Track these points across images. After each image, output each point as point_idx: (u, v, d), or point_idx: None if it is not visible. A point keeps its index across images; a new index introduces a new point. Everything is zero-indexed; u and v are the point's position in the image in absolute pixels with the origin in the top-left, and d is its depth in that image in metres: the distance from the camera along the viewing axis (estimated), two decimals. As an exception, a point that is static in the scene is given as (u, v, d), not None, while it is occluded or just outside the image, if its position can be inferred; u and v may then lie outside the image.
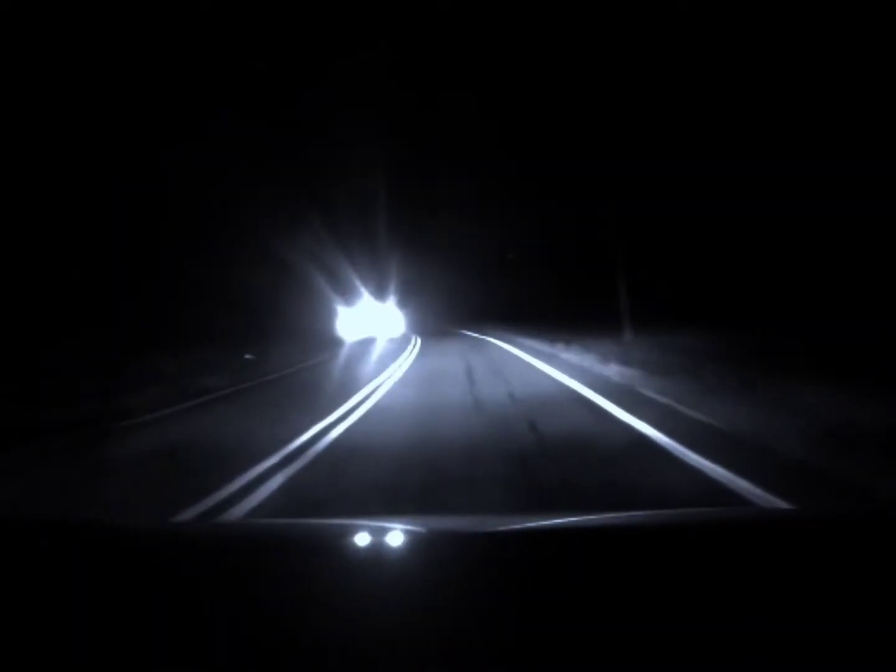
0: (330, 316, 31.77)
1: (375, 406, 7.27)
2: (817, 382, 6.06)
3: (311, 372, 14.03)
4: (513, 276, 37.47)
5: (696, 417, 5.48)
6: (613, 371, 9.45)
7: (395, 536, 1.45)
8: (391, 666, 0.81)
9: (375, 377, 10.43)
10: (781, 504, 3.05)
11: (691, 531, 1.42)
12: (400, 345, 22.41)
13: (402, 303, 40.62)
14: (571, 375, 9.09)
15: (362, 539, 1.47)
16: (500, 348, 17.22)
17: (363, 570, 1.16)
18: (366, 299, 34.89)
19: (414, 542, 1.40)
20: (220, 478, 4.09)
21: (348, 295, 32.07)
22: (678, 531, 1.43)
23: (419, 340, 24.56)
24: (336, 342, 25.57)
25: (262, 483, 4.04)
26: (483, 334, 26.53)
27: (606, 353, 11.62)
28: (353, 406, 7.20)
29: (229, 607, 1.00)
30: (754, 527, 1.49)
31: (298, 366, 15.28)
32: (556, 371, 9.88)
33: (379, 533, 1.52)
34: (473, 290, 44.24)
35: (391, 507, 3.39)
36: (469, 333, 29.69)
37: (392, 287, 38.38)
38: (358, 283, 32.31)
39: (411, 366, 13.05)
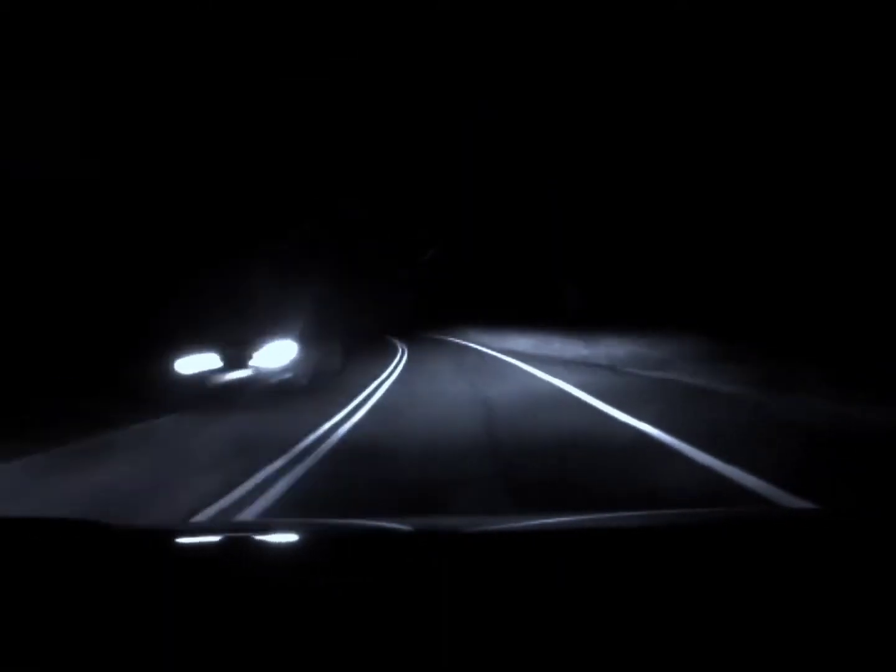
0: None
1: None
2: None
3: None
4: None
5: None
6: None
7: (403, 538, 1.46)
8: (390, 666, 0.81)
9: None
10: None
11: (696, 532, 1.40)
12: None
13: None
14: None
15: (369, 540, 1.47)
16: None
17: (368, 572, 1.15)
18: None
19: (429, 544, 1.38)
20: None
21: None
22: (682, 532, 1.41)
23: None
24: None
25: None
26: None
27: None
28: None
29: (239, 608, 1.00)
30: (766, 528, 1.47)
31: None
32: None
33: (388, 534, 1.52)
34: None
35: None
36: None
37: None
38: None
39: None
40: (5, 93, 12.25)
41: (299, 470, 4.79)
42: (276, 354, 10.11)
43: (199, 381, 9.66)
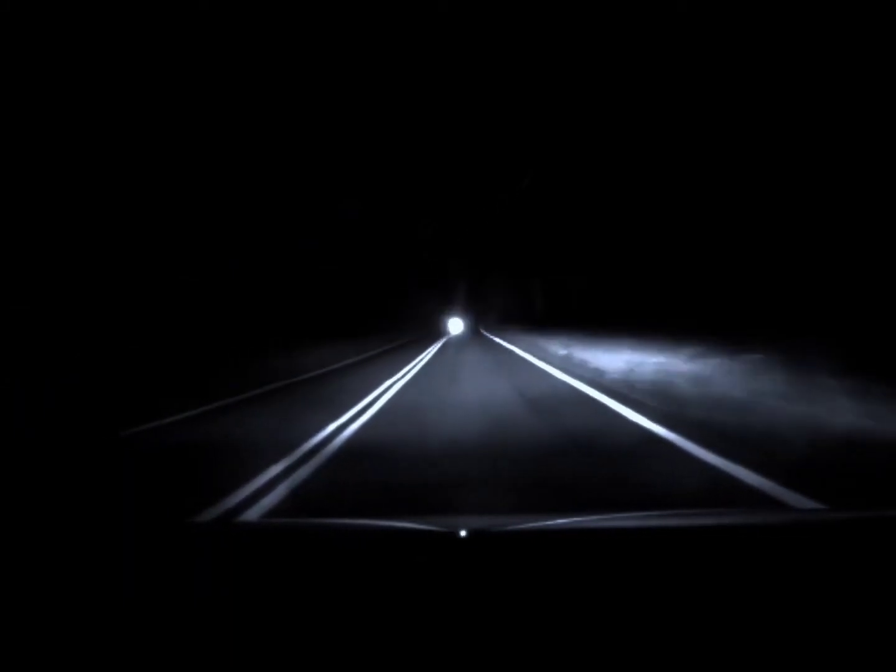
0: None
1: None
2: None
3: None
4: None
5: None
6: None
7: (407, 538, 1.45)
8: (398, 667, 0.81)
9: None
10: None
11: (704, 534, 1.39)
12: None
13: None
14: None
15: (377, 541, 1.45)
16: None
17: (376, 572, 1.13)
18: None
19: (427, 543, 1.39)
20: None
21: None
22: (690, 534, 1.40)
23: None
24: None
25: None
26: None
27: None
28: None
29: (244, 607, 0.99)
30: (771, 530, 1.45)
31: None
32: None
33: (393, 534, 1.51)
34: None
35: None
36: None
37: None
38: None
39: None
40: (9, 94, 12.27)
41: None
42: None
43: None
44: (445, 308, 65.27)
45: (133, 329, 14.08)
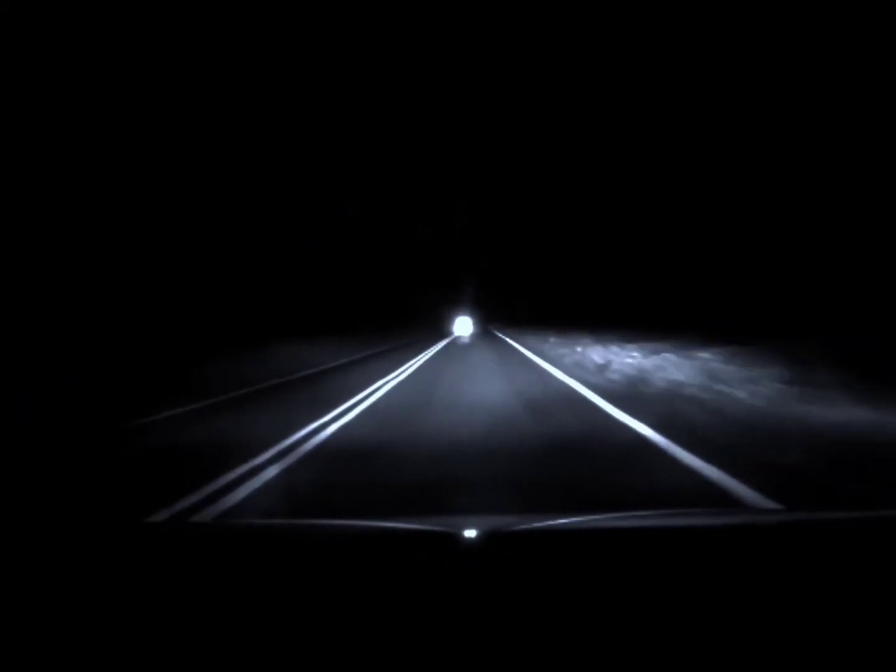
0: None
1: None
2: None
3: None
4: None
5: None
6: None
7: (406, 538, 1.41)
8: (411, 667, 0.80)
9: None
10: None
11: (698, 535, 1.39)
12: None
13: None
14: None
15: (373, 541, 1.41)
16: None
17: (336, 574, 1.10)
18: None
19: (392, 542, 1.35)
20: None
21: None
22: (684, 534, 1.39)
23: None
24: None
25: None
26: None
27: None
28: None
29: (201, 610, 0.97)
30: (748, 531, 1.45)
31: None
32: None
33: (392, 534, 1.48)
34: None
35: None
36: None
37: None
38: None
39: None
40: (9, 94, 12.26)
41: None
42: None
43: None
44: (453, 306, 57.53)
45: (133, 329, 14.06)
